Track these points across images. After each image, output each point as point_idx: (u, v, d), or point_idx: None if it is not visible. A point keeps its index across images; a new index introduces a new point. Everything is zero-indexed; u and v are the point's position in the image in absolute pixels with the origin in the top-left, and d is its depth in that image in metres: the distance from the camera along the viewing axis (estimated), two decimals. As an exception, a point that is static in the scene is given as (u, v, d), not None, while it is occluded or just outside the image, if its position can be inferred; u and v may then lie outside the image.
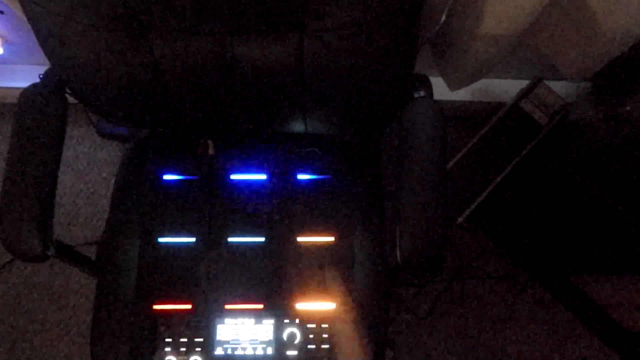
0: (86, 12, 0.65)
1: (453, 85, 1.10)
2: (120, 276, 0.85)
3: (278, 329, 0.83)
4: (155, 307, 0.83)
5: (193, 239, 0.87)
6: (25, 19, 0.69)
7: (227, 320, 0.83)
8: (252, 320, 0.83)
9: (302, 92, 0.75)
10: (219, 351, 0.82)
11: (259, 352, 0.82)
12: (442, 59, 1.06)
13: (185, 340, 0.82)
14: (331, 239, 0.87)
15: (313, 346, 0.82)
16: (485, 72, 1.04)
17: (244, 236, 0.88)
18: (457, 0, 0.90)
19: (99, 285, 0.86)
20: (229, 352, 0.82)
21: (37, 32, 0.70)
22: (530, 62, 1.25)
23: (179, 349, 0.81)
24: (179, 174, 0.92)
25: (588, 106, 1.20)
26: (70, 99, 0.80)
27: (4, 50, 1.27)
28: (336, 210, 0.89)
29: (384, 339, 0.84)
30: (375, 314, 0.84)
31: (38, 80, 0.80)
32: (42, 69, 0.81)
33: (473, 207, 1.24)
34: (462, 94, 1.27)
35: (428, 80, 0.81)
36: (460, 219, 1.27)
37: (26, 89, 0.77)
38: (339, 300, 0.84)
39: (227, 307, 0.84)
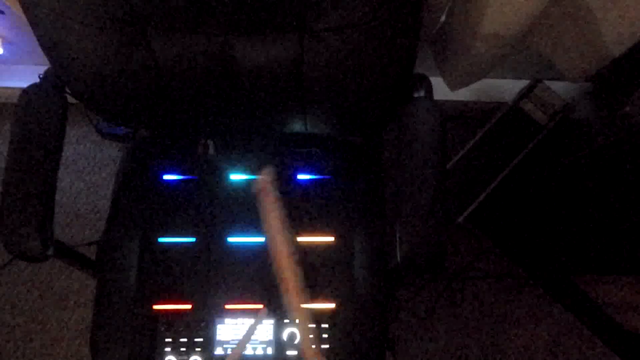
0: (85, 12, 0.65)
1: (453, 85, 1.10)
2: (120, 276, 0.85)
3: (278, 329, 0.83)
4: (155, 307, 0.83)
5: (193, 239, 0.87)
6: (25, 19, 0.69)
7: (227, 320, 0.83)
8: (252, 320, 0.83)
9: (302, 92, 0.75)
10: (219, 351, 0.82)
11: (259, 352, 0.82)
12: (442, 59, 1.06)
13: (185, 340, 0.82)
14: (331, 239, 0.87)
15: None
16: (486, 72, 1.04)
17: (244, 236, 0.88)
18: (457, 0, 0.91)
19: (99, 285, 0.86)
20: (229, 352, 0.82)
21: (37, 32, 0.70)
22: (530, 62, 1.25)
23: (179, 349, 0.81)
24: (179, 174, 0.92)
25: (588, 106, 1.20)
26: (70, 99, 0.79)
27: (4, 50, 1.27)
28: (336, 210, 0.89)
29: (384, 339, 0.84)
30: (375, 314, 0.84)
31: (38, 80, 0.80)
32: (42, 69, 0.81)
33: (473, 207, 1.25)
34: (462, 94, 1.27)
35: (428, 80, 0.81)
36: (460, 219, 1.27)
37: (26, 89, 0.77)
38: (339, 300, 0.84)
39: (227, 307, 0.84)
